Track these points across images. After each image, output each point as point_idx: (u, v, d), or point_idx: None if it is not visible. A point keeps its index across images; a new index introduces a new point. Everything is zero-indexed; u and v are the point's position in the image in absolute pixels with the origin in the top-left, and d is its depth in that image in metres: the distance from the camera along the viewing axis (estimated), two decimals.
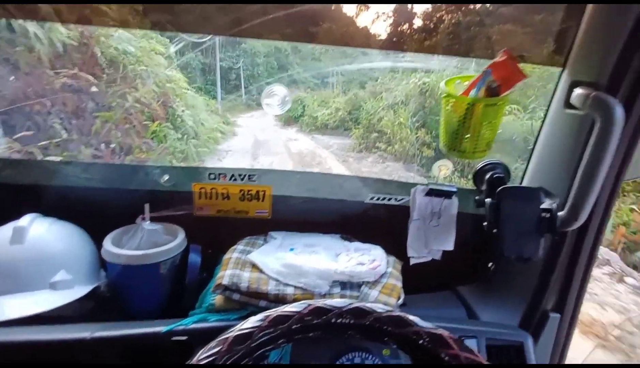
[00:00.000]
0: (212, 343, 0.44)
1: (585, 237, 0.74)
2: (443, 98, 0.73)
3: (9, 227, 0.74)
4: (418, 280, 0.92)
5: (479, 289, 0.98)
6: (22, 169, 0.95)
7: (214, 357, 0.43)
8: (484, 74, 0.67)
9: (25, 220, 0.75)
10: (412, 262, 0.92)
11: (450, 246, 0.90)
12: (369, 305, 0.49)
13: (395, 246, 0.90)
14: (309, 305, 0.49)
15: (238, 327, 0.47)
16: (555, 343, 0.83)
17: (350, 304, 0.49)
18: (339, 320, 0.48)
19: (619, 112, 0.58)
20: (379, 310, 0.48)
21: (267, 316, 0.47)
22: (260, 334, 0.46)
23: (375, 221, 0.97)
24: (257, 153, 5.57)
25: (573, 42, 0.70)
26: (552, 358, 0.83)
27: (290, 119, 7.22)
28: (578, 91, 0.65)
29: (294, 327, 0.47)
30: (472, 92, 0.69)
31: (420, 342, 0.47)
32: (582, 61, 0.68)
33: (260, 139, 6.33)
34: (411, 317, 0.48)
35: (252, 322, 0.47)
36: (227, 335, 0.46)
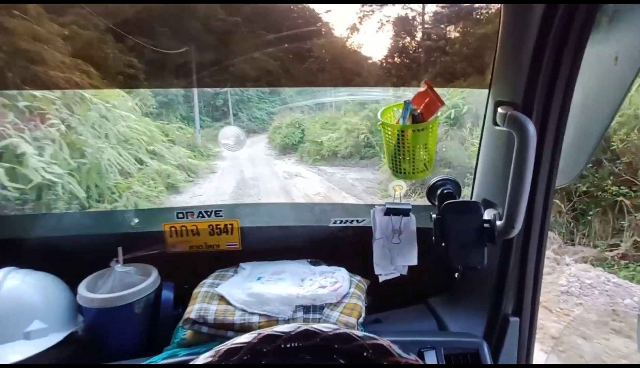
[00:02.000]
0: None
1: (530, 242, 0.79)
2: (379, 126, 0.80)
3: None
4: (391, 296, 0.96)
5: (448, 300, 1.02)
6: None
7: None
8: (405, 105, 0.74)
9: None
10: (381, 279, 0.95)
11: (414, 261, 0.95)
12: (315, 326, 0.53)
13: (362, 265, 0.94)
14: (259, 334, 0.52)
15: (194, 361, 0.50)
16: (519, 346, 0.86)
17: (298, 328, 0.53)
18: (288, 345, 0.52)
19: (531, 128, 0.64)
20: (326, 330, 0.52)
21: (218, 351, 0.51)
22: None
23: (342, 243, 1.01)
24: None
25: (494, 66, 0.78)
26: (518, 359, 0.86)
27: (287, 146, 5.83)
28: (500, 110, 0.72)
29: (245, 357, 0.51)
30: (400, 121, 0.76)
31: (365, 353, 0.51)
32: (502, 82, 0.76)
33: (247, 177, 4.49)
34: (355, 332, 0.52)
35: (203, 359, 0.50)
36: None
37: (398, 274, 0.97)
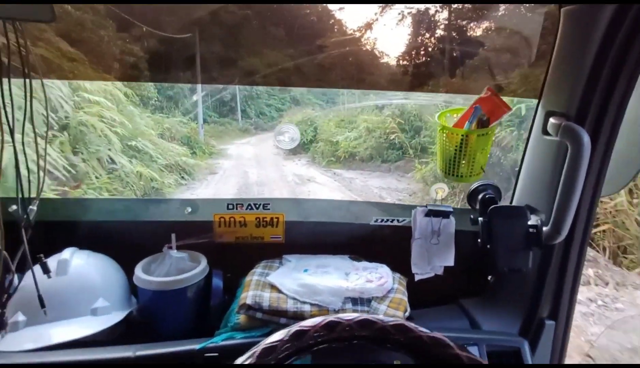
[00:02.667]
0: (243, 357, 0.52)
1: (571, 248, 0.82)
2: (438, 130, 0.83)
3: (52, 260, 0.83)
4: (424, 295, 0.99)
5: (481, 301, 1.05)
6: (59, 206, 1.04)
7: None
8: (474, 110, 0.77)
9: (67, 253, 0.84)
10: (417, 278, 0.99)
11: (450, 262, 0.98)
12: (375, 316, 0.56)
13: (400, 264, 0.98)
14: (324, 319, 0.56)
15: (264, 341, 0.54)
16: (553, 349, 0.89)
17: (359, 316, 0.57)
18: (350, 332, 0.55)
19: (586, 139, 0.67)
20: (385, 321, 0.56)
21: (289, 331, 0.55)
22: (284, 347, 0.54)
23: (381, 241, 1.05)
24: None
25: (546, 76, 0.81)
26: (551, 361, 0.89)
27: (297, 146, 5.16)
28: (552, 120, 0.75)
29: (311, 341, 0.55)
30: (466, 125, 0.79)
31: (422, 345, 0.54)
32: (554, 93, 0.78)
33: (252, 182, 3.86)
34: (412, 325, 0.55)
35: (277, 335, 0.54)
36: (255, 349, 0.54)
37: (433, 274, 1.00)
